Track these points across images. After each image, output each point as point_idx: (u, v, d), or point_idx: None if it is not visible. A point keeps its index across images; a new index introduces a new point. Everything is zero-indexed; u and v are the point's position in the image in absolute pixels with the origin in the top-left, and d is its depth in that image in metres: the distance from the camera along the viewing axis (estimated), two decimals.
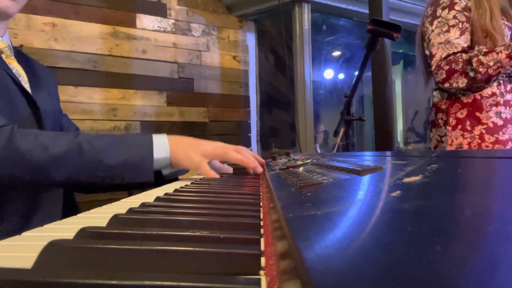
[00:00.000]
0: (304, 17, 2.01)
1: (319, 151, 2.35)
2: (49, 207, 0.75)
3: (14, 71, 0.75)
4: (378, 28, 1.05)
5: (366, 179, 0.29)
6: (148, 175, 0.64)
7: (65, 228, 0.27)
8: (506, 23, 1.20)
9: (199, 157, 0.71)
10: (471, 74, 1.12)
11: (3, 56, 0.75)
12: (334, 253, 0.11)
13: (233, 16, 2.17)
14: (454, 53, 1.15)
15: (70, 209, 0.83)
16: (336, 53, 3.62)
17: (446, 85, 1.18)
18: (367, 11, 1.84)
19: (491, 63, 1.10)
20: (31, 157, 0.58)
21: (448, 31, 1.18)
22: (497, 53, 1.10)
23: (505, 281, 0.08)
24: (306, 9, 2.02)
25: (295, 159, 0.80)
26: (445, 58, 1.17)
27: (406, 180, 0.23)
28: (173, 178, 0.78)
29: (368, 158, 0.57)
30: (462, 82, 1.15)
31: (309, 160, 0.65)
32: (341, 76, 3.80)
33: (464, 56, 1.14)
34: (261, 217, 0.29)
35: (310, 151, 1.97)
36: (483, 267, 0.09)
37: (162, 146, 0.67)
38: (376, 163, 0.38)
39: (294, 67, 2.04)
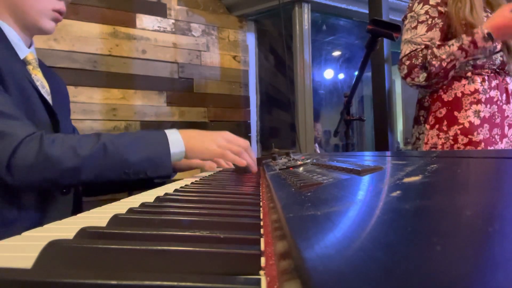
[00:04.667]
0: (304, 17, 2.01)
1: (318, 151, 2.35)
2: (59, 213, 0.76)
3: (38, 83, 0.77)
4: (378, 28, 1.06)
5: (366, 179, 0.29)
6: (167, 169, 0.70)
7: (65, 228, 0.27)
8: (490, 15, 1.16)
9: (217, 148, 0.77)
10: (428, 67, 1.12)
11: (30, 67, 0.77)
12: (334, 253, 0.11)
13: (233, 16, 2.17)
14: (416, 49, 1.15)
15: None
16: (336, 53, 3.61)
17: (408, 80, 1.17)
18: (367, 11, 1.85)
19: (444, 56, 1.09)
20: (62, 161, 0.62)
21: (415, 27, 1.17)
22: (449, 46, 1.09)
23: (505, 281, 0.08)
24: (306, 9, 2.02)
25: (295, 159, 0.80)
26: (407, 54, 1.16)
27: (406, 180, 0.23)
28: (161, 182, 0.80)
29: (368, 158, 0.57)
30: (422, 77, 1.14)
31: (309, 160, 0.65)
32: (341, 76, 3.80)
33: (425, 51, 1.13)
34: (261, 217, 0.29)
35: (310, 151, 1.97)
36: (483, 267, 0.09)
37: (177, 141, 0.73)
38: (376, 163, 0.38)
39: (294, 67, 2.04)
